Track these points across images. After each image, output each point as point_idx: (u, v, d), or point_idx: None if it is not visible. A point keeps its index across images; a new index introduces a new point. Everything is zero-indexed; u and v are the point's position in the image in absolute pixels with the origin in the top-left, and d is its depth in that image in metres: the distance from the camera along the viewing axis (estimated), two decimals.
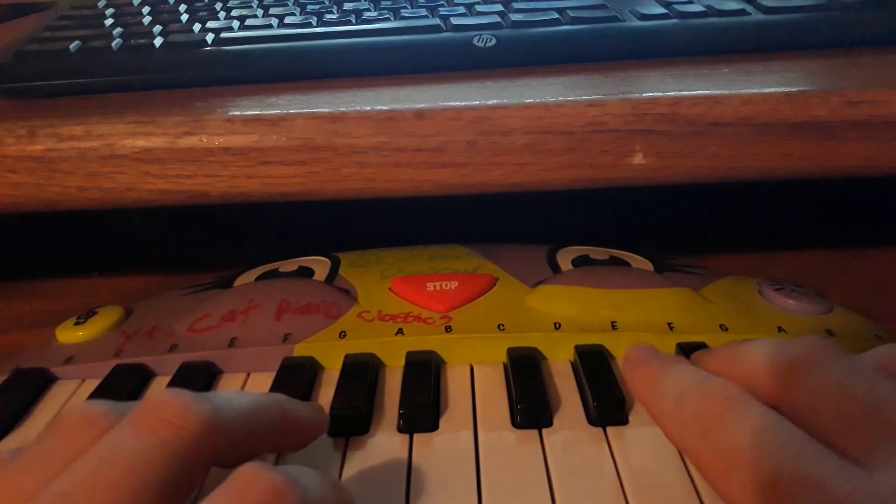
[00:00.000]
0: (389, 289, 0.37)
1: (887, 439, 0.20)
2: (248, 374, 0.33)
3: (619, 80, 0.33)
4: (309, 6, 0.42)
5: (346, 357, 0.32)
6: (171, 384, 0.31)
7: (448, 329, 0.34)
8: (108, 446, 0.20)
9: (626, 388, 0.30)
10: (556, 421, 0.29)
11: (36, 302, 0.47)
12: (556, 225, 0.47)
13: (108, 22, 0.41)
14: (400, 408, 0.29)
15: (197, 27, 0.39)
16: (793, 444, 0.21)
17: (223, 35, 0.38)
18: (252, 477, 0.20)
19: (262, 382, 0.32)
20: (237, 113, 0.31)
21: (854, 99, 0.30)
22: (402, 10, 0.40)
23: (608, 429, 0.28)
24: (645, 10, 0.37)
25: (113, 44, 0.37)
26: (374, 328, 0.34)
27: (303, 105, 0.32)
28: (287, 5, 0.42)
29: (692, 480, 0.25)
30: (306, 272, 0.39)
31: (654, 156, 0.31)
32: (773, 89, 0.30)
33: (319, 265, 0.40)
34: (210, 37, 0.37)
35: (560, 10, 0.38)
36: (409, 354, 0.32)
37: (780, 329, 0.34)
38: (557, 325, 0.34)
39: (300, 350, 0.33)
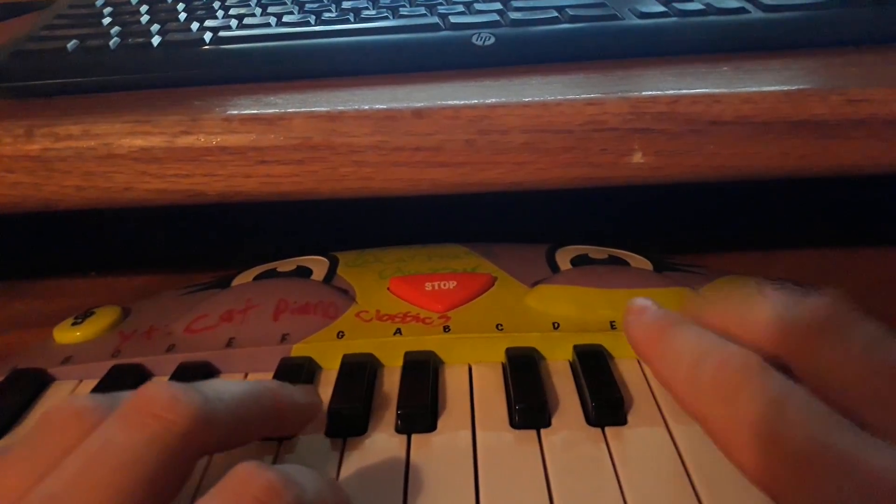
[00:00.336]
0: (388, 288, 0.37)
1: None
2: (246, 375, 0.33)
3: (619, 79, 0.33)
4: (307, 5, 0.42)
5: (345, 357, 0.32)
6: None
7: (446, 329, 0.33)
8: (97, 443, 0.20)
9: (624, 389, 0.30)
10: (554, 421, 0.29)
11: (33, 302, 0.47)
12: (554, 224, 0.46)
13: (106, 21, 0.41)
14: (398, 408, 0.29)
15: (195, 26, 0.39)
16: (820, 419, 0.20)
17: (221, 34, 0.38)
18: (248, 476, 0.20)
19: None
20: (235, 112, 0.31)
21: (854, 97, 0.29)
22: (400, 9, 0.40)
23: (607, 429, 0.28)
24: (644, 8, 0.37)
25: (111, 43, 0.37)
26: (372, 328, 0.34)
27: (301, 104, 0.32)
28: (285, 4, 0.42)
29: (691, 481, 0.25)
30: (304, 272, 0.39)
31: (654, 154, 0.31)
32: (772, 88, 0.30)
33: (317, 265, 0.40)
34: (208, 35, 0.37)
35: (559, 9, 0.38)
36: (408, 354, 0.32)
37: None
38: (556, 325, 0.34)
39: (298, 350, 0.33)
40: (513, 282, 0.37)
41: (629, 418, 0.29)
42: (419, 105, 0.31)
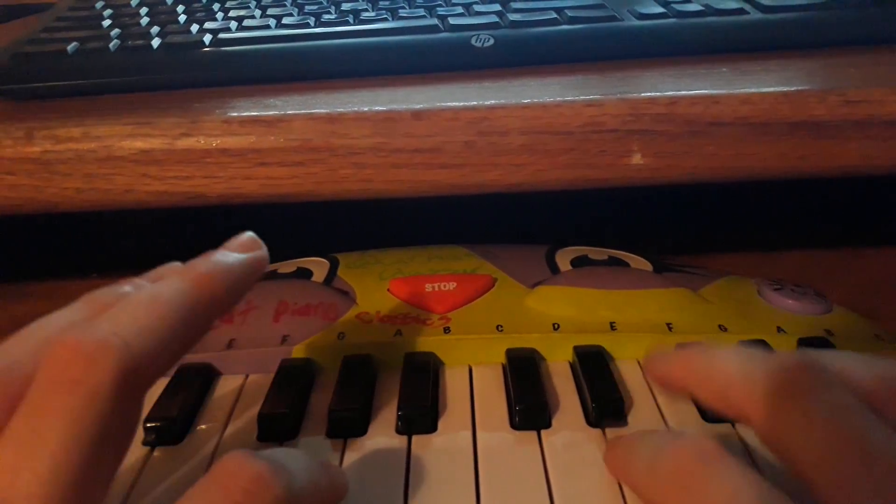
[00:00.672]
0: (388, 290, 0.37)
1: (877, 496, 0.18)
2: (247, 376, 0.33)
3: (617, 80, 0.33)
4: (307, 6, 0.42)
5: (345, 358, 0.32)
6: (169, 386, 0.31)
7: (446, 330, 0.34)
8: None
9: (624, 389, 0.30)
10: (554, 422, 0.29)
11: (34, 304, 0.47)
12: (554, 225, 0.46)
13: (106, 23, 0.41)
14: (398, 409, 0.29)
15: (195, 28, 0.39)
16: None
17: (221, 36, 0.38)
18: (236, 467, 0.19)
19: (260, 384, 0.32)
20: (235, 114, 0.31)
21: (853, 98, 0.29)
22: (399, 11, 0.40)
23: (607, 430, 0.28)
24: (643, 9, 0.37)
25: (111, 45, 0.37)
26: (372, 329, 0.34)
27: (300, 106, 0.32)
28: (285, 6, 0.42)
29: None
30: (305, 273, 0.39)
31: (653, 156, 0.31)
32: (771, 88, 0.30)
33: (318, 266, 0.40)
34: (208, 37, 0.37)
35: (558, 10, 0.38)
36: (408, 356, 0.32)
37: (779, 329, 0.34)
38: (556, 326, 0.34)
39: (298, 352, 0.33)
40: (513, 283, 0.37)
41: (629, 419, 0.29)
42: (418, 107, 0.31)
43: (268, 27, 0.38)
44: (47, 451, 0.18)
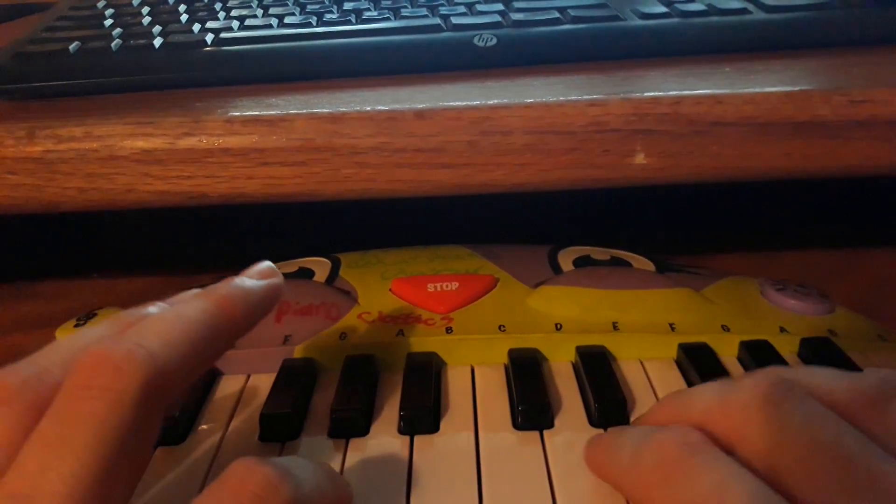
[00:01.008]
0: (390, 290, 0.37)
1: (850, 498, 0.19)
2: (249, 376, 0.33)
3: (621, 80, 0.33)
4: (309, 6, 0.42)
5: (347, 358, 0.32)
6: None
7: (449, 330, 0.33)
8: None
9: (627, 390, 0.30)
10: (557, 422, 0.29)
11: (36, 304, 0.47)
12: (557, 225, 0.46)
13: (108, 22, 0.41)
14: (400, 409, 0.29)
15: (196, 27, 0.39)
16: (758, 499, 0.19)
17: (223, 35, 0.38)
18: (245, 472, 0.20)
19: (262, 384, 0.32)
20: (237, 113, 0.31)
21: (856, 98, 0.29)
22: (402, 10, 0.40)
23: (610, 430, 0.28)
24: (646, 9, 0.37)
25: (112, 44, 0.37)
26: (374, 329, 0.34)
27: (303, 105, 0.32)
28: (287, 5, 0.42)
29: None
30: (306, 273, 0.39)
31: (656, 155, 0.31)
32: (775, 88, 0.30)
33: (320, 266, 0.40)
34: (210, 37, 0.37)
35: (561, 10, 0.38)
36: (410, 356, 0.32)
37: (782, 329, 0.33)
38: (558, 326, 0.34)
39: (300, 351, 0.33)
40: (515, 283, 0.37)
41: (632, 419, 0.29)
42: (421, 106, 0.31)
43: (270, 27, 0.38)
44: (72, 453, 0.19)
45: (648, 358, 0.33)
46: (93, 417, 0.19)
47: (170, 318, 0.23)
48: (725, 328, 0.33)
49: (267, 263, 0.28)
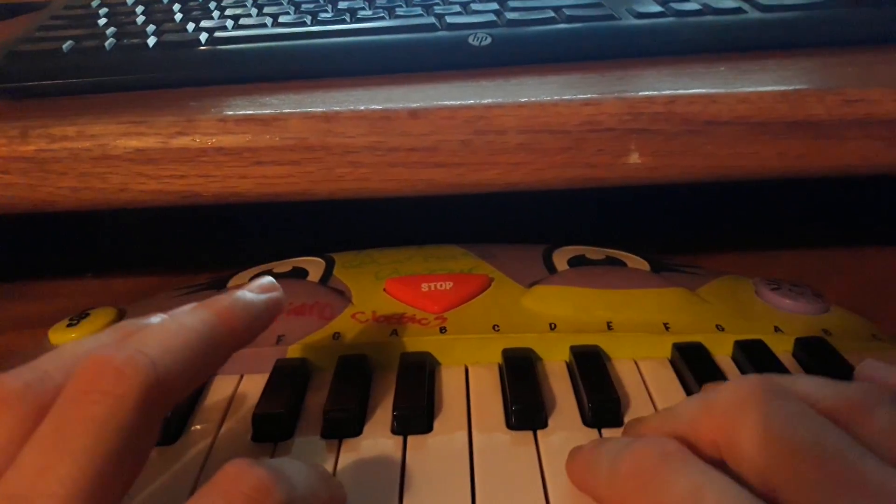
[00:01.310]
0: (384, 289, 0.37)
1: (836, 496, 0.19)
2: (242, 376, 0.33)
3: (615, 79, 0.33)
4: (303, 5, 0.41)
5: (340, 358, 0.32)
6: None
7: (443, 330, 0.33)
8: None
9: (621, 390, 0.30)
10: (550, 422, 0.29)
11: (28, 303, 0.47)
12: (551, 225, 0.46)
13: (102, 21, 0.41)
14: (394, 409, 0.29)
15: (191, 27, 0.39)
16: (734, 502, 0.19)
17: (217, 34, 0.38)
18: (238, 474, 0.20)
19: (255, 384, 0.32)
20: (230, 113, 0.31)
21: (851, 97, 0.29)
22: (396, 9, 0.39)
23: (603, 430, 0.28)
24: (641, 8, 0.37)
25: (106, 43, 0.37)
26: (368, 329, 0.34)
27: (296, 105, 0.32)
28: (281, 4, 0.42)
29: None
30: (300, 273, 0.39)
31: (650, 155, 0.31)
32: (769, 88, 0.30)
33: (313, 266, 0.40)
34: (204, 36, 0.37)
35: (556, 9, 0.38)
36: (404, 355, 0.32)
37: (776, 329, 0.33)
38: (553, 326, 0.33)
39: (293, 352, 0.33)
40: (509, 282, 0.37)
41: (625, 419, 0.29)
42: (415, 105, 0.31)
43: (264, 26, 0.38)
44: (71, 456, 0.19)
45: (643, 357, 0.33)
46: (92, 421, 0.19)
47: (172, 327, 0.23)
48: (720, 328, 0.33)
49: (268, 278, 0.28)
